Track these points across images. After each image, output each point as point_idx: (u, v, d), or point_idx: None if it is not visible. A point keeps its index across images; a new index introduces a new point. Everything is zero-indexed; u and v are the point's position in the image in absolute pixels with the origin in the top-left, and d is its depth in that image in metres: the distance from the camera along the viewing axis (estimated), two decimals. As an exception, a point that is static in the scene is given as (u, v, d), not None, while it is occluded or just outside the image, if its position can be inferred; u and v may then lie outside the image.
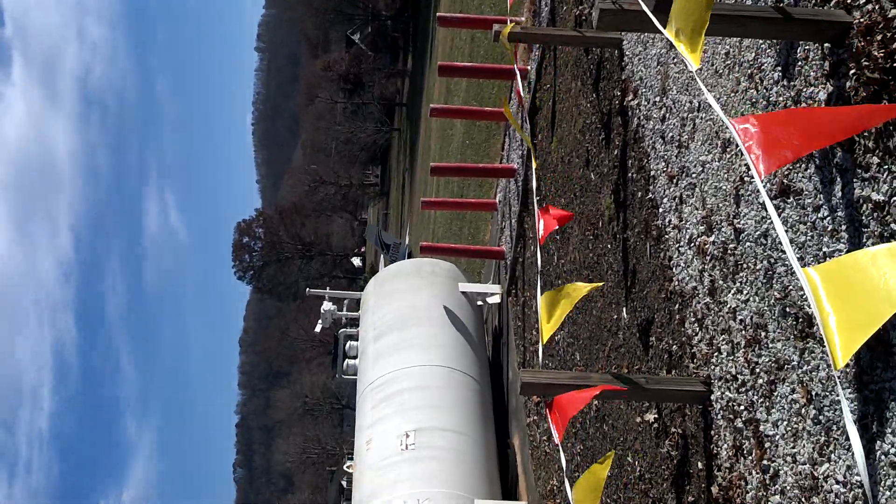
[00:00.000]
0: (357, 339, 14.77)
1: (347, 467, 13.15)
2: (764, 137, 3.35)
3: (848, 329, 2.77)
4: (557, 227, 6.91)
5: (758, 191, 4.45)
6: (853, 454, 3.48)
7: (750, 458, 4.36)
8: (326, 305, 16.91)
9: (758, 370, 4.34)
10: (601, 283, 6.94)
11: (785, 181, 4.13)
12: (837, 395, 3.62)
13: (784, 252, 4.14)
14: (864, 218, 3.52)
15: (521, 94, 9.46)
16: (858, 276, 2.83)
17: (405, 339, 12.44)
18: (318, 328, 18.32)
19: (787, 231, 4.11)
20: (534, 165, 7.27)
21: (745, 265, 4.57)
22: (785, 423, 4.05)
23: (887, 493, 3.25)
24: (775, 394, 4.15)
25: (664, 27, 3.88)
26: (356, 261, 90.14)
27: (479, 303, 13.68)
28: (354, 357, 15.40)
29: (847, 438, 3.54)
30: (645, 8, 4.05)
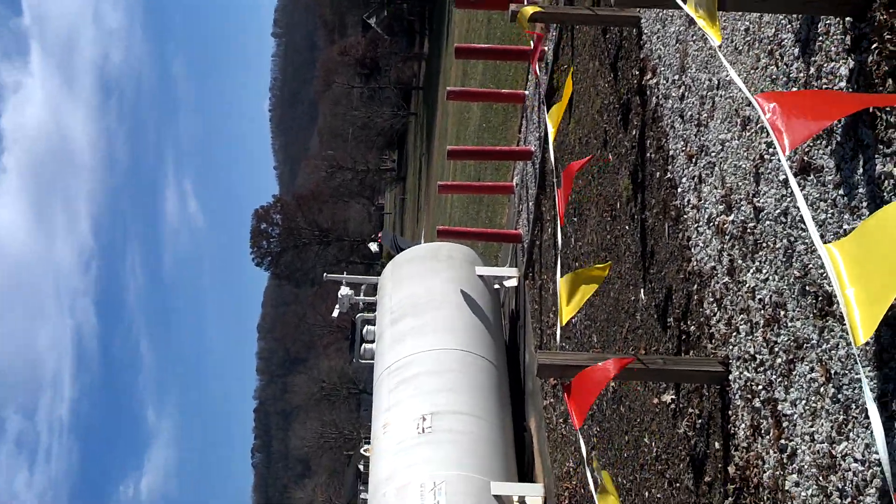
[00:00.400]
0: (374, 324, 14.78)
1: (364, 451, 13.19)
2: (786, 113, 3.31)
3: (868, 304, 2.74)
4: (578, 171, 6.78)
5: (778, 168, 4.40)
6: (872, 432, 3.45)
7: (767, 437, 4.33)
8: (344, 290, 16.89)
9: (776, 349, 4.30)
10: (609, 263, 6.91)
11: (805, 158, 4.08)
12: (856, 374, 3.58)
13: (804, 230, 4.10)
14: (885, 194, 3.48)
15: (538, 74, 9.40)
16: (875, 246, 2.79)
17: (422, 322, 12.43)
18: (335, 313, 18.32)
19: (808, 208, 4.07)
20: (551, 143, 7.21)
21: (764, 244, 4.53)
22: (803, 402, 4.01)
23: (908, 470, 3.21)
24: (794, 373, 4.11)
25: (684, 1, 3.83)
26: (373, 246, 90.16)
27: (496, 286, 13.66)
28: (372, 341, 15.41)
29: (866, 416, 3.51)
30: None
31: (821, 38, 4.02)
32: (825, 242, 3.06)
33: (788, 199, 4.28)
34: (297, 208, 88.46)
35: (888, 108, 3.48)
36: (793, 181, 3.29)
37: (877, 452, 3.40)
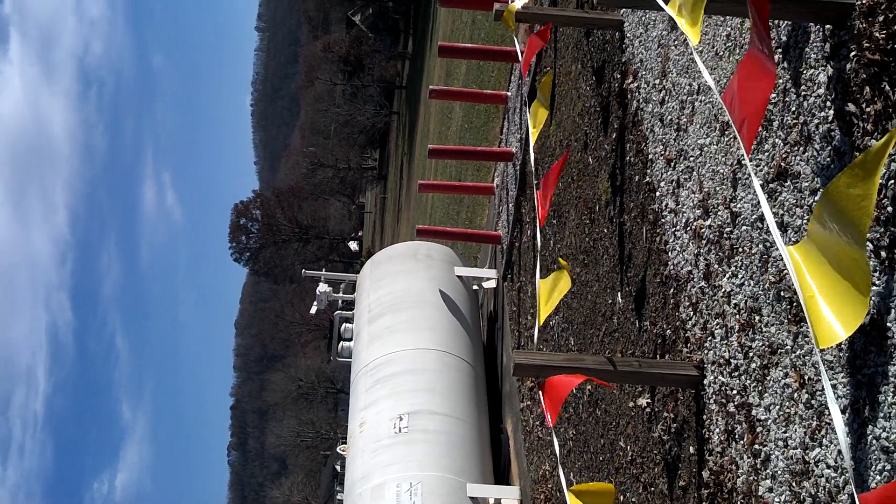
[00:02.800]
0: (352, 322, 14.75)
1: (341, 449, 13.16)
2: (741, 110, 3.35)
3: (836, 312, 2.76)
4: (554, 182, 6.81)
5: (754, 175, 4.41)
6: (845, 439, 3.47)
7: (742, 442, 4.34)
8: (322, 287, 16.86)
9: (751, 354, 4.32)
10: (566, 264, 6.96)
11: (783, 164, 4.10)
12: (830, 380, 3.59)
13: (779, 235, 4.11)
14: (861, 201, 3.49)
15: (525, 70, 9.40)
16: (829, 250, 2.82)
17: (400, 321, 12.41)
18: (313, 310, 18.29)
19: (783, 215, 4.08)
20: (531, 144, 7.20)
21: (740, 249, 4.54)
22: (777, 407, 4.03)
23: (877, 477, 3.23)
24: (768, 378, 4.12)
25: (666, 2, 3.83)
26: (353, 245, 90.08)
27: (475, 287, 13.65)
28: (349, 339, 15.38)
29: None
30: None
31: (801, 45, 4.04)
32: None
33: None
34: (276, 204, 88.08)
35: (864, 116, 3.50)
36: (754, 177, 3.30)
37: (850, 459, 3.42)
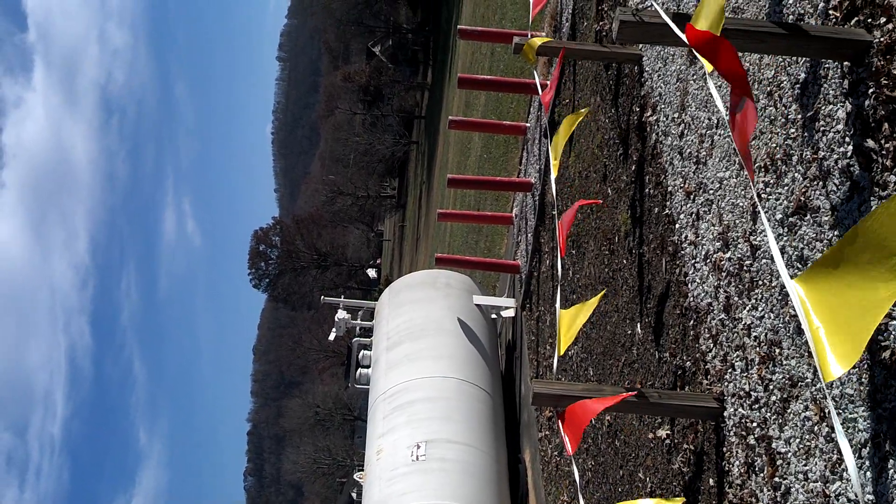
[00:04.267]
0: (370, 349, 14.79)
1: (358, 476, 13.14)
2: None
3: (839, 342, 2.78)
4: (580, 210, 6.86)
5: (775, 207, 4.44)
6: (864, 472, 3.47)
7: (762, 475, 4.34)
8: (340, 314, 16.93)
9: (771, 387, 4.33)
10: (603, 290, 6.94)
11: (802, 198, 4.14)
12: (851, 413, 3.61)
13: (800, 268, 4.14)
14: (880, 236, 3.52)
15: (546, 102, 9.48)
16: (838, 281, 2.84)
17: (418, 349, 12.45)
18: (331, 336, 18.35)
19: (802, 248, 4.11)
20: (553, 176, 7.26)
21: (760, 282, 4.57)
22: (797, 440, 4.04)
23: (899, 511, 3.23)
24: (788, 411, 4.14)
25: (683, 32, 3.90)
26: (371, 272, 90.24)
27: (494, 316, 13.68)
28: (367, 366, 15.41)
29: (859, 456, 3.53)
30: (666, 18, 4.07)
31: (819, 81, 4.09)
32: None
33: (785, 239, 4.33)
34: (296, 231, 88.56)
35: (883, 152, 3.54)
36: (755, 195, 3.33)
37: (870, 493, 3.42)
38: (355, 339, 17.66)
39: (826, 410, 3.84)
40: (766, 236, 4.56)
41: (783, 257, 4.35)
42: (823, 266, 2.93)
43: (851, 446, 3.61)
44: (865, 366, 3.54)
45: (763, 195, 4.62)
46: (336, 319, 17.08)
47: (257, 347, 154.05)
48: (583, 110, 7.05)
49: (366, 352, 15.77)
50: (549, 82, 11.07)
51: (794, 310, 4.18)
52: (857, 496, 3.56)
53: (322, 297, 19.24)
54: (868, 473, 3.45)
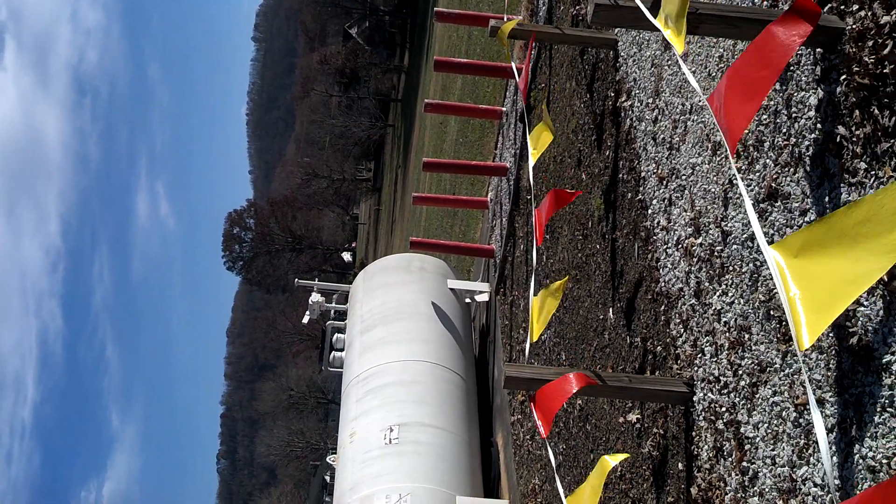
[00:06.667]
0: (344, 332, 14.76)
1: (331, 459, 13.13)
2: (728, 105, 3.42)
3: (815, 310, 2.79)
4: (558, 209, 6.86)
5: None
6: (827, 454, 3.50)
7: (730, 459, 4.38)
8: (314, 297, 16.85)
9: (740, 372, 4.36)
10: (566, 277, 6.93)
11: (773, 185, 4.15)
12: (818, 398, 3.63)
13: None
14: (850, 223, 3.54)
15: (523, 88, 9.45)
16: (822, 251, 2.84)
17: (392, 333, 12.44)
18: (305, 319, 18.26)
19: (773, 234, 4.13)
20: (531, 164, 7.25)
21: (731, 267, 4.59)
22: (765, 425, 4.07)
23: (863, 496, 3.26)
24: (757, 396, 4.16)
25: (654, 16, 3.90)
26: (346, 255, 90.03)
27: (468, 300, 13.69)
28: (341, 350, 15.38)
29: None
30: (639, 2, 4.06)
31: (792, 68, 4.10)
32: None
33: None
34: (270, 213, 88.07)
35: (854, 139, 3.55)
36: (734, 167, 3.34)
37: (836, 479, 3.46)
38: (329, 322, 17.61)
39: (795, 396, 3.87)
40: (735, 223, 4.57)
41: (753, 243, 4.37)
42: (807, 234, 2.93)
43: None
44: (833, 351, 3.57)
45: (734, 181, 4.64)
46: (310, 302, 17.00)
47: (231, 330, 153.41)
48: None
49: (340, 335, 15.73)
50: (520, 65, 11.05)
51: (763, 296, 4.20)
52: (825, 480, 3.60)
53: (296, 280, 19.16)
54: (835, 458, 3.48)
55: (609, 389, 5.06)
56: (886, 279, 3.28)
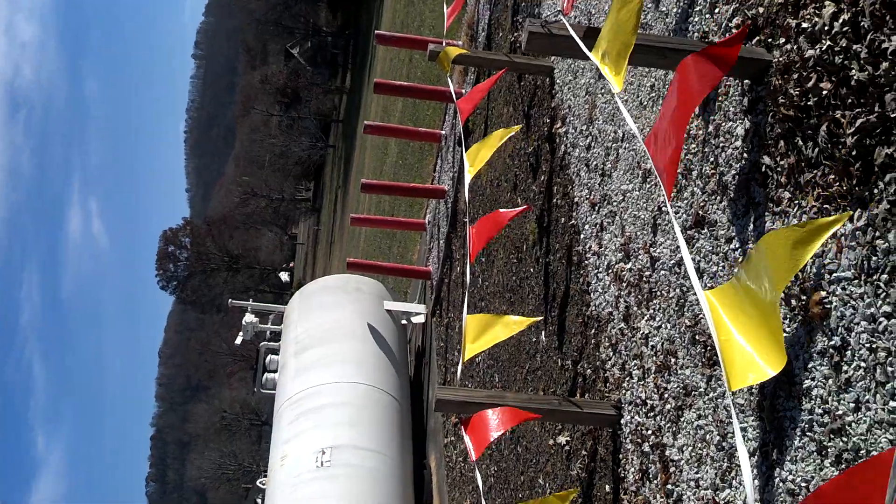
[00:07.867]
0: (278, 353, 14.60)
1: (261, 483, 12.93)
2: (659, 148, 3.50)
3: (741, 350, 2.86)
4: (500, 228, 6.83)
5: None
6: (750, 477, 3.56)
7: (655, 482, 4.43)
8: (248, 317, 16.67)
9: (666, 395, 4.42)
10: (539, 318, 6.79)
11: (700, 212, 4.24)
12: (741, 423, 3.70)
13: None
14: (772, 250, 3.62)
15: (464, 112, 9.50)
16: (747, 292, 2.93)
17: (327, 354, 12.34)
18: (238, 340, 18.06)
19: (699, 261, 4.21)
20: (467, 182, 7.26)
21: (658, 293, 4.66)
22: (690, 448, 4.12)
23: (781, 518, 3.32)
24: (682, 419, 4.22)
25: (590, 50, 3.96)
26: (284, 276, 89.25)
27: (404, 322, 13.66)
28: (275, 371, 15.21)
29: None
30: (572, 32, 4.13)
31: (720, 98, 4.20)
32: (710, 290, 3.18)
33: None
34: (207, 232, 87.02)
35: (779, 169, 3.65)
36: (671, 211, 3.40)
37: (757, 501, 3.52)
38: (263, 343, 17.41)
39: (717, 419, 3.93)
40: (664, 249, 4.65)
41: (680, 269, 4.45)
42: (741, 276, 3.03)
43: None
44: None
45: (663, 208, 4.72)
46: (244, 323, 16.81)
47: (163, 350, 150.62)
48: (515, 127, 7.09)
49: (273, 356, 15.56)
50: (464, 91, 11.13)
51: (689, 321, 4.27)
52: (746, 503, 3.65)
53: (230, 300, 18.93)
54: (756, 482, 3.54)
55: (539, 412, 5.08)
56: (806, 305, 3.37)
